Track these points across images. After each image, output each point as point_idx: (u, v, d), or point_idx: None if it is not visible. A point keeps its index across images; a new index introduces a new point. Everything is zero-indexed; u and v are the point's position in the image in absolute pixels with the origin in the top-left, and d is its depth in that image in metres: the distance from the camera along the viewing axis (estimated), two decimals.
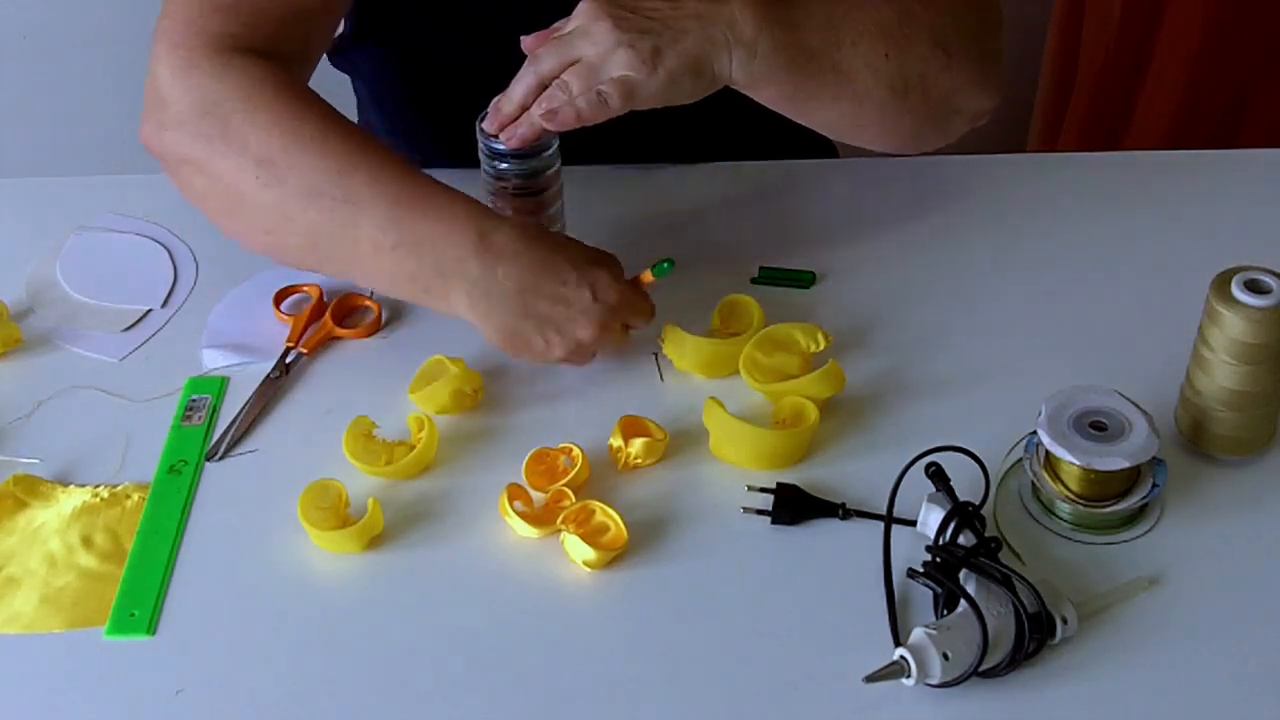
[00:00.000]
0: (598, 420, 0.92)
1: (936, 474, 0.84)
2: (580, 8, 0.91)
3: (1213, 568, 0.83)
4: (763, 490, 0.87)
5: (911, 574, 0.81)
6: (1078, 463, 0.82)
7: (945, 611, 0.78)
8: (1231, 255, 0.90)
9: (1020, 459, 0.87)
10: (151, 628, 0.82)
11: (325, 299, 1.03)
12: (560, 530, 0.84)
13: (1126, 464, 0.82)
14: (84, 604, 0.84)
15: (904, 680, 0.75)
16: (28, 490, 0.91)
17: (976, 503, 0.82)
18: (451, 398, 0.93)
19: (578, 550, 0.83)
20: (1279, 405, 0.88)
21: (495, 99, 0.93)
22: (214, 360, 1.00)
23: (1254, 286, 0.84)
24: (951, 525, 0.81)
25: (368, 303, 1.04)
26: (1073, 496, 0.84)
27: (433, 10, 1.12)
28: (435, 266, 0.89)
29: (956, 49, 0.98)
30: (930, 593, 0.80)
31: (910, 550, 0.83)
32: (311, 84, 0.98)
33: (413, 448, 0.90)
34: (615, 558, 0.84)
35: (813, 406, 0.91)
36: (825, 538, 0.86)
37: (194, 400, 0.97)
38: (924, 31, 0.97)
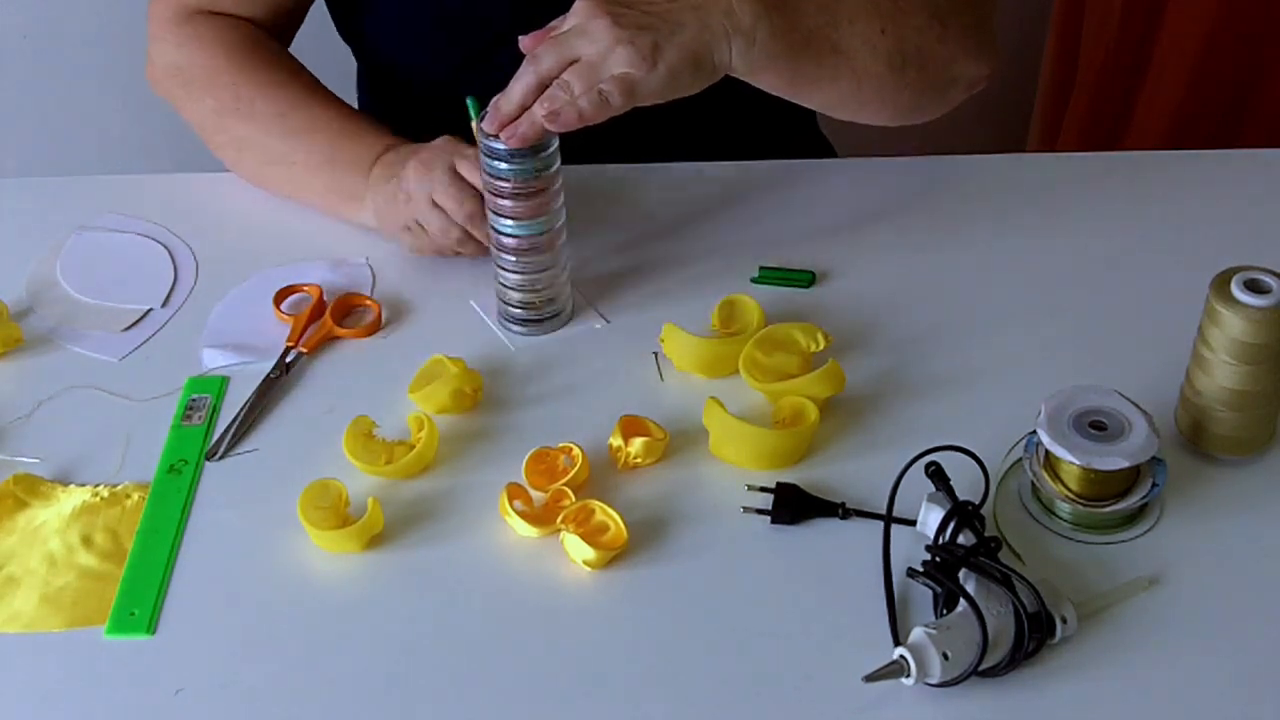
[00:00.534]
0: (598, 420, 0.92)
1: (936, 474, 0.84)
2: (577, 6, 0.91)
3: (1213, 568, 0.83)
4: (762, 490, 0.87)
5: (911, 574, 0.81)
6: (1078, 462, 0.82)
7: (945, 611, 0.78)
8: (1231, 255, 0.90)
9: (1020, 459, 0.87)
10: (151, 627, 0.82)
11: (325, 299, 1.04)
12: (560, 530, 0.84)
13: (1126, 464, 0.82)
14: (84, 603, 0.84)
15: (904, 680, 0.75)
16: (28, 490, 0.91)
17: (976, 502, 0.82)
18: (451, 397, 0.94)
19: (578, 550, 0.83)
20: (1279, 405, 0.88)
21: (495, 98, 0.93)
22: (214, 360, 1.00)
23: (1254, 286, 0.84)
24: (951, 525, 0.81)
25: (368, 302, 1.04)
26: (1073, 496, 0.84)
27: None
28: (350, 184, 1.08)
29: (951, 18, 0.99)
30: (930, 592, 0.80)
31: (910, 550, 0.83)
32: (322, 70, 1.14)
33: (412, 447, 0.90)
34: (615, 557, 0.84)
35: (813, 406, 0.90)
36: (825, 537, 0.86)
37: (194, 400, 0.97)
38: (918, 3, 0.97)
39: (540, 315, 1.01)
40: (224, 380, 0.99)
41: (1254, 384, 0.85)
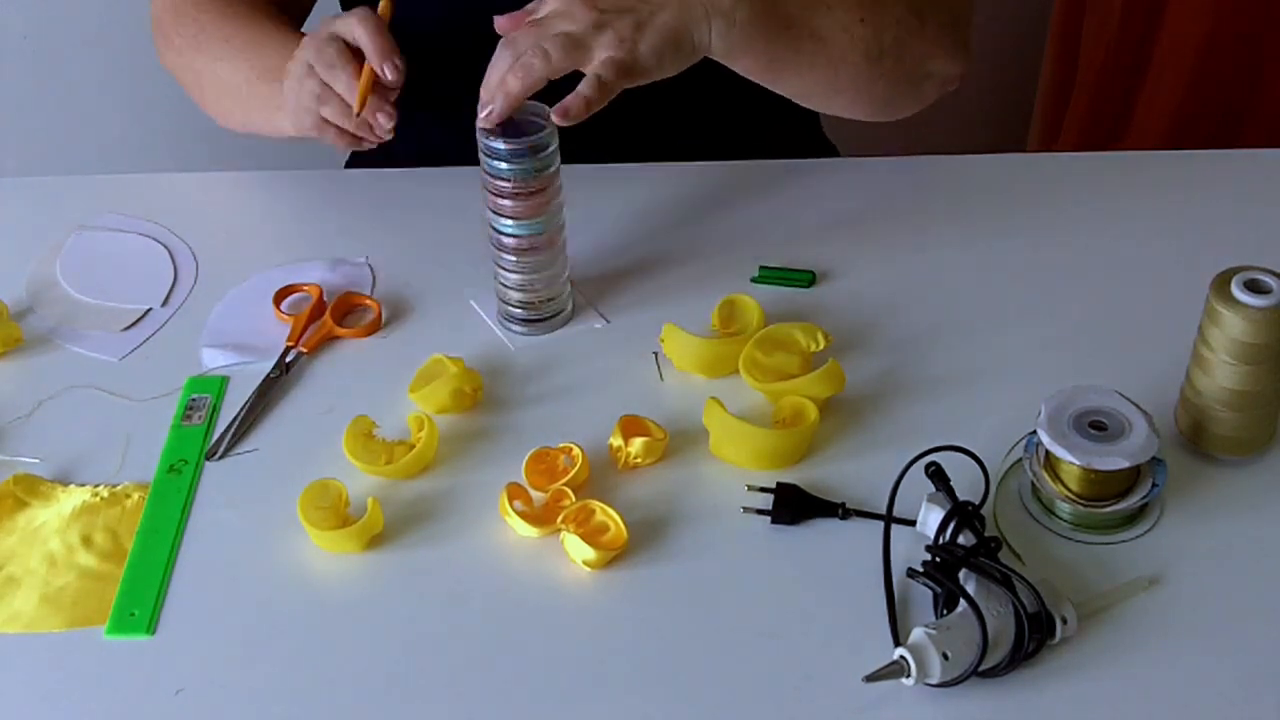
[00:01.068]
0: (598, 420, 0.92)
1: (936, 474, 0.84)
2: None
3: (1213, 568, 0.83)
4: (763, 490, 0.87)
5: (911, 574, 0.81)
6: (1078, 463, 0.82)
7: (945, 611, 0.78)
8: (1231, 255, 0.90)
9: (1020, 459, 0.87)
10: (151, 627, 0.82)
11: (325, 298, 1.04)
12: (560, 530, 0.84)
13: (1126, 464, 0.82)
14: (84, 603, 0.84)
15: (904, 680, 0.75)
16: (28, 490, 0.91)
17: (976, 502, 0.82)
18: (451, 397, 0.94)
19: (578, 550, 0.83)
20: (1279, 405, 0.88)
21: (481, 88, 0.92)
22: (214, 360, 1.00)
23: (1254, 286, 0.84)
24: (951, 525, 0.81)
25: (368, 302, 1.04)
26: (1073, 496, 0.84)
27: None
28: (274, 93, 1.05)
29: (929, 14, 0.99)
30: (930, 593, 0.80)
31: (910, 550, 0.83)
32: None
33: (412, 447, 0.90)
34: (615, 557, 0.84)
35: (812, 406, 0.90)
36: (825, 537, 0.86)
37: (194, 400, 0.97)
38: None
39: (540, 315, 1.01)
40: (224, 380, 0.99)
41: (1254, 384, 0.85)
